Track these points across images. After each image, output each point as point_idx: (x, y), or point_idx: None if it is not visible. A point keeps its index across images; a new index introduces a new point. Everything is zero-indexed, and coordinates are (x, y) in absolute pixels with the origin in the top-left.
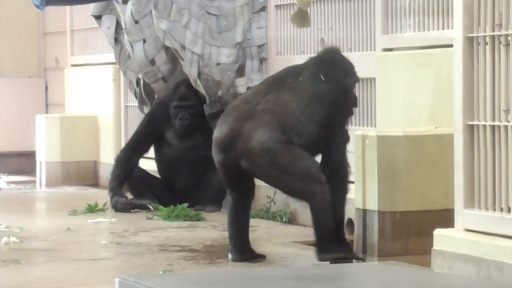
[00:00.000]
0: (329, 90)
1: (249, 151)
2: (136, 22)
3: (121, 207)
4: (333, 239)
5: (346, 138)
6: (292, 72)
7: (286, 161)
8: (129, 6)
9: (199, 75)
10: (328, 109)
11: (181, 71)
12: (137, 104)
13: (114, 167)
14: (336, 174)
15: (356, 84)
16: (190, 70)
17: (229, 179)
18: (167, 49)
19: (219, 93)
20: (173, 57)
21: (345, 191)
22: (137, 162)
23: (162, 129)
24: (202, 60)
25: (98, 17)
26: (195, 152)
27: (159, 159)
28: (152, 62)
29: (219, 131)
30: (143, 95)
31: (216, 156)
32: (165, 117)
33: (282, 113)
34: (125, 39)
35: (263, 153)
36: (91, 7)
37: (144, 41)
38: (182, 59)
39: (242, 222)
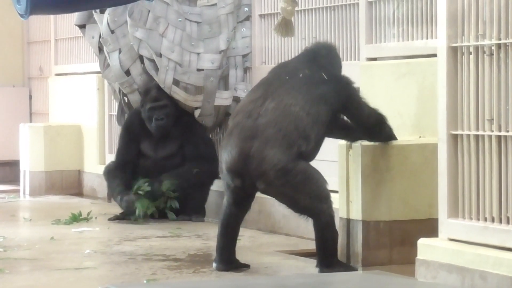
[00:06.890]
0: (334, 89)
1: (263, 173)
2: (112, 32)
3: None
4: (335, 255)
5: (379, 115)
6: (287, 69)
7: (298, 180)
8: (106, 16)
9: (177, 82)
10: (335, 108)
11: (156, 82)
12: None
13: (110, 180)
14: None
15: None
16: (166, 77)
17: (239, 199)
18: (142, 60)
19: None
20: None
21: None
22: (130, 175)
23: (139, 140)
24: (181, 67)
25: (82, 26)
26: (170, 161)
27: (136, 171)
28: (128, 72)
29: (228, 155)
30: (124, 106)
31: (231, 181)
32: (140, 127)
33: (286, 121)
34: (105, 48)
35: (278, 174)
36: (75, 16)
37: (120, 51)
38: (155, 69)
39: (233, 234)
